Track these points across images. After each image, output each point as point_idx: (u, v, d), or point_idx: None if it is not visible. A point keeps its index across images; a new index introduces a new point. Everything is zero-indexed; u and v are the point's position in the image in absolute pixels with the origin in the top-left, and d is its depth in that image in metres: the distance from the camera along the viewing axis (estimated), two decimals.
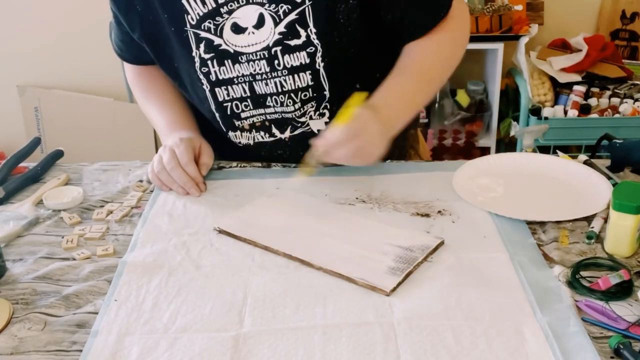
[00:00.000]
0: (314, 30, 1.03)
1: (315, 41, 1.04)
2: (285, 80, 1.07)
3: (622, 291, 0.80)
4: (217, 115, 1.14)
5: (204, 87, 1.10)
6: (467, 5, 1.10)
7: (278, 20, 1.03)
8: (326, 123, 1.13)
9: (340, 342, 0.74)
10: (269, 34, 1.04)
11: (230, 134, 1.16)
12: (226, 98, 1.11)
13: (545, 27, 2.58)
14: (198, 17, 1.04)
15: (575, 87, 2.38)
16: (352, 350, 0.73)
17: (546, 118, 2.32)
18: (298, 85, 1.08)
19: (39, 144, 1.24)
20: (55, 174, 1.16)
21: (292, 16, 1.02)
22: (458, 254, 0.89)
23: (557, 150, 1.72)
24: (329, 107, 1.12)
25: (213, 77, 1.08)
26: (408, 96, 1.06)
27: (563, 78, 2.42)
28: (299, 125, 1.14)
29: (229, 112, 1.13)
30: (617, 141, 1.11)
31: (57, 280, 0.87)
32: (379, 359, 0.72)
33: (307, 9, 1.02)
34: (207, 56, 1.07)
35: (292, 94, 1.09)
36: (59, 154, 1.21)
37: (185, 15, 1.04)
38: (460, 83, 2.65)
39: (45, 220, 1.01)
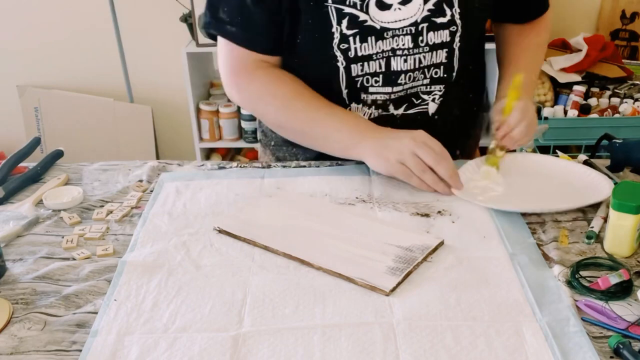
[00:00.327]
0: (458, 10, 1.08)
1: (458, 21, 1.09)
2: (424, 57, 1.11)
3: (621, 291, 0.80)
4: (344, 91, 1.12)
5: (339, 63, 1.09)
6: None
7: None
8: (436, 108, 1.18)
9: (339, 342, 0.74)
10: (417, 10, 1.06)
11: (353, 105, 1.15)
12: (359, 73, 1.11)
13: None
14: None
15: (575, 87, 2.38)
16: (352, 350, 0.73)
17: (546, 118, 2.32)
18: (433, 62, 1.12)
19: (39, 144, 1.24)
20: (55, 174, 1.16)
21: None
22: (458, 254, 0.89)
23: (557, 150, 1.72)
24: (446, 94, 1.17)
25: (352, 54, 1.08)
26: (534, 77, 1.23)
27: (563, 78, 2.42)
28: (419, 102, 1.16)
29: (358, 86, 1.12)
30: (617, 141, 1.11)
31: (57, 280, 0.87)
32: (378, 359, 0.72)
33: None
34: (349, 32, 1.06)
35: (425, 70, 1.13)
36: (59, 154, 1.21)
37: None
38: None
39: (45, 220, 1.01)
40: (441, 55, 1.11)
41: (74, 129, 2.84)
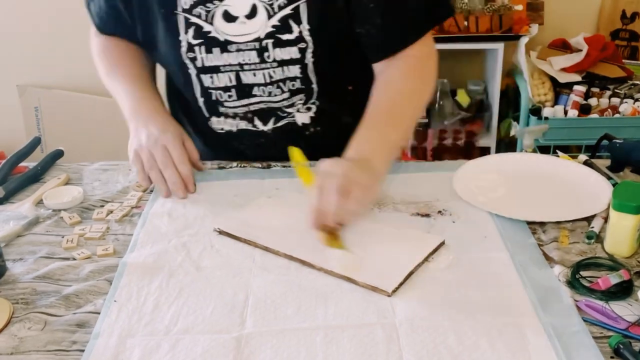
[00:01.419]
0: (307, 27, 1.04)
1: (307, 37, 1.04)
2: (274, 72, 1.08)
3: (622, 291, 0.80)
4: (200, 100, 1.14)
5: (190, 71, 1.10)
6: (435, 49, 1.12)
7: (272, 13, 1.03)
8: (311, 117, 1.14)
9: (342, 344, 0.74)
10: (261, 25, 1.04)
11: (213, 119, 1.16)
12: (211, 85, 1.11)
13: (546, 27, 2.58)
14: (192, 2, 1.04)
15: (576, 87, 2.38)
16: (354, 351, 0.73)
17: (546, 118, 2.32)
18: (287, 75, 1.09)
19: (39, 143, 1.24)
20: (55, 174, 1.16)
21: (287, 11, 1.03)
22: (459, 254, 0.89)
23: (557, 150, 1.72)
24: (317, 103, 1.13)
25: (199, 64, 1.08)
26: (383, 139, 1.00)
27: (563, 78, 2.42)
28: (285, 115, 1.14)
29: (213, 98, 1.13)
30: (617, 141, 1.11)
31: (57, 280, 0.87)
32: (381, 359, 0.71)
33: (302, 5, 1.02)
34: (195, 42, 1.06)
35: (280, 84, 1.10)
36: (59, 154, 1.21)
37: None
38: (460, 83, 2.65)
39: (45, 220, 1.01)
40: (294, 71, 1.08)
41: (74, 129, 2.84)
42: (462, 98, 2.60)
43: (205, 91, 1.12)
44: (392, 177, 1.09)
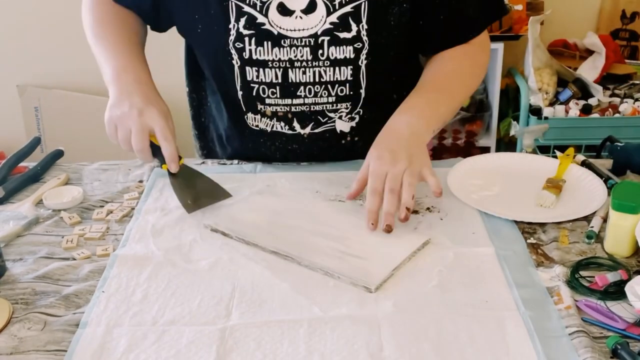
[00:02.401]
0: (365, 26, 1.03)
1: (365, 38, 1.04)
2: (324, 71, 1.06)
3: (621, 291, 0.80)
4: (240, 93, 1.10)
5: (234, 62, 1.07)
6: (489, 42, 1.19)
7: (332, 10, 1.02)
8: (352, 127, 1.13)
9: (324, 335, 0.75)
10: (319, 21, 1.02)
11: (250, 115, 1.13)
12: (255, 79, 1.08)
13: (546, 27, 2.57)
14: None
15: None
16: (336, 342, 0.74)
17: (546, 118, 2.32)
18: (337, 78, 1.07)
19: (39, 143, 1.24)
20: (55, 174, 1.16)
21: (347, 9, 1.02)
22: (443, 249, 0.90)
23: (555, 150, 1.72)
24: (361, 112, 1.12)
25: (246, 55, 1.05)
26: (432, 105, 1.06)
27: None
28: (325, 121, 1.12)
29: (254, 94, 1.09)
30: (619, 144, 1.11)
31: (57, 280, 0.87)
32: (362, 350, 0.73)
33: (363, 4, 1.02)
34: (245, 32, 1.03)
35: (329, 86, 1.08)
36: (59, 154, 1.21)
37: None
38: None
39: (45, 220, 1.01)
40: (345, 72, 1.06)
41: (74, 129, 2.83)
42: None
43: (247, 85, 1.09)
44: None
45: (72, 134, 2.82)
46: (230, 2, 1.02)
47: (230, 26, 1.03)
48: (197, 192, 1.02)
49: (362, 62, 1.05)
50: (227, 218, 0.98)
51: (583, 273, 0.85)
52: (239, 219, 0.97)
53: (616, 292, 0.81)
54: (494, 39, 2.39)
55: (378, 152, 0.97)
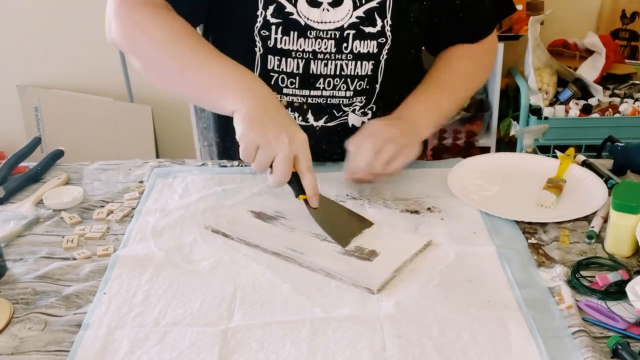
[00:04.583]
0: (389, 22, 1.04)
1: (388, 33, 1.05)
2: (346, 65, 1.07)
3: (621, 291, 0.80)
4: None
5: (256, 49, 1.06)
6: (496, 40, 1.22)
7: (358, 4, 1.03)
8: (363, 123, 1.14)
9: (327, 336, 0.75)
10: (346, 15, 1.03)
11: None
12: (275, 68, 1.08)
13: (546, 27, 2.58)
14: None
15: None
16: (339, 342, 0.74)
17: (546, 118, 2.32)
18: (357, 72, 1.08)
19: (39, 143, 1.24)
20: (55, 174, 1.16)
21: (373, 3, 1.03)
22: (445, 249, 0.90)
23: (555, 150, 1.72)
24: (374, 108, 1.13)
25: (271, 43, 1.05)
26: (434, 102, 1.09)
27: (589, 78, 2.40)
28: (340, 114, 1.13)
29: (272, 83, 1.09)
30: (619, 144, 1.11)
31: (57, 280, 0.87)
32: (365, 350, 0.73)
33: (389, 0, 1.03)
34: (273, 20, 1.03)
35: (348, 80, 1.09)
36: (59, 154, 1.21)
37: None
38: None
39: (45, 220, 1.01)
40: (366, 67, 1.08)
41: (74, 129, 2.84)
42: None
43: (267, 74, 1.08)
44: None
45: (72, 134, 2.83)
46: None
47: (258, 13, 1.03)
48: (343, 224, 0.95)
49: (382, 58, 1.07)
50: (227, 219, 0.97)
51: (584, 273, 0.85)
52: (239, 219, 0.97)
53: (617, 292, 0.80)
54: None
55: (371, 128, 1.03)
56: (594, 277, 0.83)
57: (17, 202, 1.07)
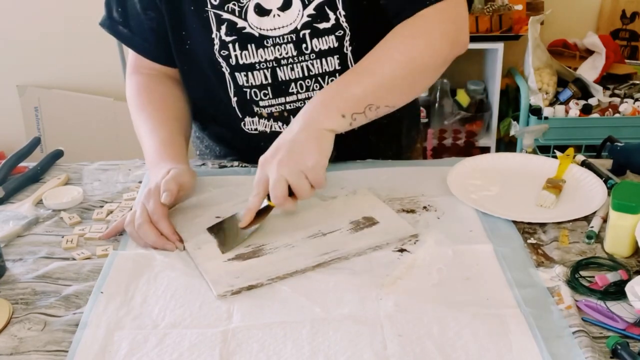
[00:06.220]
0: (342, 13, 1.02)
1: (344, 24, 1.03)
2: (312, 65, 1.06)
3: (621, 291, 0.80)
4: (234, 100, 1.10)
5: (224, 69, 1.07)
6: (458, 9, 1.02)
7: (307, 2, 1.02)
8: None
9: (328, 335, 0.75)
10: (297, 16, 1.02)
11: (247, 119, 1.13)
12: (245, 84, 1.08)
13: (546, 27, 2.58)
14: None
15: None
16: (340, 342, 0.74)
17: (546, 118, 2.32)
18: (325, 69, 1.07)
19: (39, 143, 1.24)
20: (55, 174, 1.16)
21: None
22: (442, 247, 0.90)
23: (555, 150, 1.72)
24: None
25: (233, 61, 1.06)
26: (341, 89, 0.97)
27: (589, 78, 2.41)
28: None
29: (247, 98, 1.10)
30: (618, 144, 1.11)
31: (57, 280, 0.87)
32: (366, 350, 0.73)
33: None
34: (228, 39, 1.04)
35: (319, 78, 1.07)
36: (59, 154, 1.21)
37: None
38: (460, 83, 2.65)
39: (45, 220, 1.01)
40: (333, 63, 1.06)
41: (74, 129, 2.84)
42: (462, 98, 2.60)
43: (240, 90, 1.09)
44: (381, 172, 1.10)
45: (72, 134, 2.83)
46: (209, 12, 1.03)
47: (213, 35, 1.04)
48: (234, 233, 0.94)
49: (347, 50, 1.05)
50: (231, 274, 0.87)
51: (583, 273, 0.85)
52: (250, 265, 0.88)
53: (616, 292, 0.80)
54: (494, 39, 2.41)
55: (264, 158, 0.95)
56: (594, 277, 0.83)
57: (17, 202, 1.07)
